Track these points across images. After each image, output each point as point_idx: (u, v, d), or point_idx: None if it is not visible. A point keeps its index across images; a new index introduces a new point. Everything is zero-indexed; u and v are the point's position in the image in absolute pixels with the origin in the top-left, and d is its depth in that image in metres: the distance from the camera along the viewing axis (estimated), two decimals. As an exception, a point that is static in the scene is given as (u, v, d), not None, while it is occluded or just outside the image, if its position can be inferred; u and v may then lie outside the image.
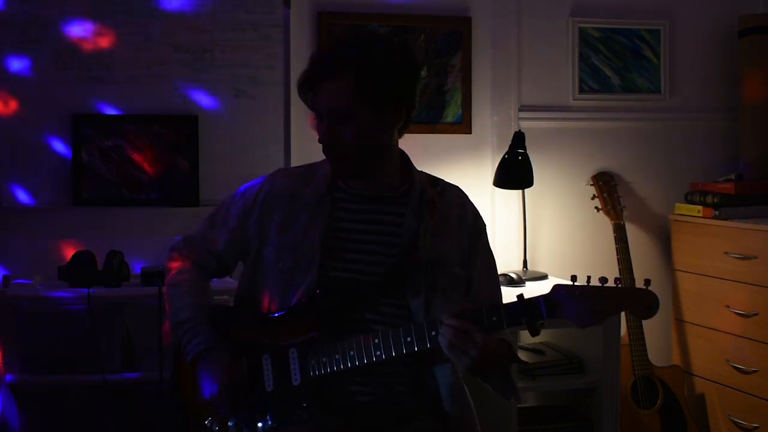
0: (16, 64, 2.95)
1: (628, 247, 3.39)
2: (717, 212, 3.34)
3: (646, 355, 3.35)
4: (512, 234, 3.37)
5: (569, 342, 3.22)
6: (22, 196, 2.98)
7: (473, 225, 2.03)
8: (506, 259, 3.36)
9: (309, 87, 1.90)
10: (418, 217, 1.95)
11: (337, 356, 1.85)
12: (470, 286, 1.99)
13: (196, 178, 3.07)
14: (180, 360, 2.05)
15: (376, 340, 1.82)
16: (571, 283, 1.75)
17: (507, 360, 1.86)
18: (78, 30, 2.98)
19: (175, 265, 2.07)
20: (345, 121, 1.86)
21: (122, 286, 2.82)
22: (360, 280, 1.91)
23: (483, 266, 2.03)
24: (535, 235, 3.45)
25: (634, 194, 3.58)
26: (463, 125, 3.37)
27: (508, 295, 2.84)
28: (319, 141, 1.92)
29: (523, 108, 3.43)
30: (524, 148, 3.23)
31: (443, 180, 2.07)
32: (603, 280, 1.74)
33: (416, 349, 1.80)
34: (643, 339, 3.35)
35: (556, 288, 1.74)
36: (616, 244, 3.40)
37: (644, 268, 3.53)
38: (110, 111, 3.02)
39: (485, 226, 2.06)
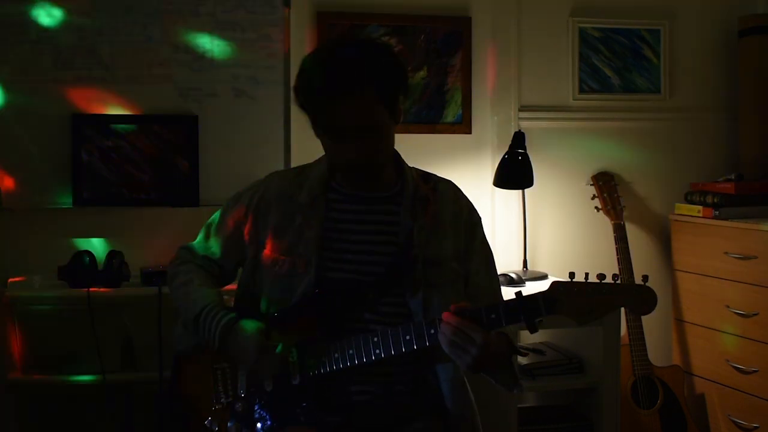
0: (17, 63, 2.95)
1: (628, 247, 3.39)
2: (717, 212, 3.34)
3: (646, 355, 3.35)
4: (512, 234, 3.37)
5: (569, 342, 3.22)
6: (22, 196, 2.98)
7: (468, 219, 2.03)
8: (506, 259, 3.36)
9: (324, 108, 1.85)
10: (413, 215, 1.95)
11: (336, 355, 1.85)
12: (468, 281, 2.00)
13: (196, 178, 3.07)
14: (179, 360, 2.06)
15: (375, 339, 1.82)
16: (569, 280, 1.75)
17: (507, 353, 1.86)
18: (78, 30, 2.97)
19: (179, 269, 2.09)
20: (372, 134, 1.85)
21: (122, 286, 2.82)
22: (358, 280, 1.92)
23: (480, 260, 2.03)
24: (535, 235, 3.45)
25: (634, 194, 3.58)
26: (463, 125, 3.37)
27: (508, 294, 2.86)
28: (344, 161, 1.89)
29: (523, 108, 3.43)
30: (524, 148, 3.23)
31: (436, 175, 2.07)
32: (601, 276, 1.75)
33: (415, 347, 1.81)
34: (643, 339, 3.35)
35: (555, 285, 1.74)
36: (616, 244, 3.40)
37: (644, 268, 3.53)
38: (110, 111, 3.02)
39: (480, 219, 2.07)
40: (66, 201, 2.99)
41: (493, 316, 1.76)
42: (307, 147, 3.05)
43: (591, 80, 3.52)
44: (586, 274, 1.78)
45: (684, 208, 3.49)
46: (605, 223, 3.45)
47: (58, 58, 2.97)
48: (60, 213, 3.01)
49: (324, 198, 1.98)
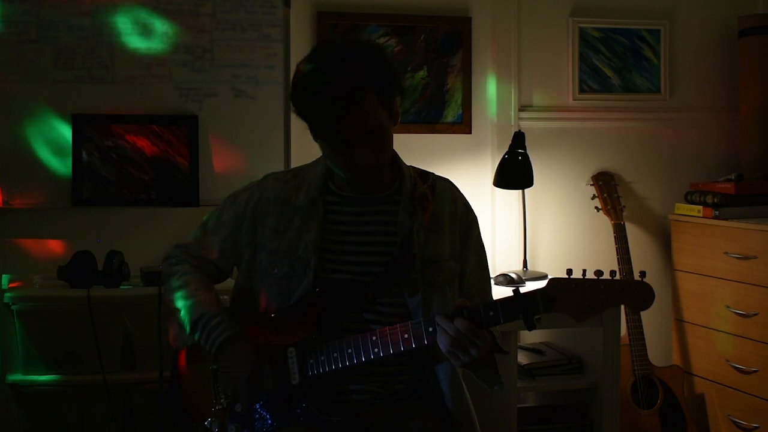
0: (17, 63, 2.95)
1: (628, 247, 3.39)
2: (717, 212, 3.34)
3: (646, 355, 3.35)
4: (512, 234, 3.37)
5: (569, 342, 3.22)
6: (22, 196, 2.98)
7: (465, 218, 2.04)
8: (506, 259, 3.36)
9: (330, 122, 1.82)
10: (411, 214, 1.95)
11: (335, 354, 1.86)
12: (462, 280, 2.00)
13: (196, 178, 3.07)
14: (179, 360, 2.05)
15: (374, 338, 1.82)
16: (567, 276, 1.75)
17: (491, 350, 1.86)
18: (78, 30, 2.97)
19: (174, 269, 2.07)
20: (375, 139, 1.84)
21: (122, 286, 2.81)
22: (357, 280, 1.92)
23: (475, 260, 2.04)
24: (535, 235, 3.45)
25: (634, 194, 3.58)
26: (463, 125, 3.37)
27: (507, 293, 2.86)
28: (354, 169, 1.87)
29: (523, 108, 3.43)
30: (524, 148, 3.23)
31: (433, 173, 2.07)
32: (598, 273, 1.75)
33: (414, 346, 1.81)
34: (643, 339, 3.35)
35: (552, 282, 1.74)
36: (616, 244, 3.40)
37: (644, 268, 3.48)
38: (110, 111, 3.02)
39: (476, 218, 2.07)
40: (66, 201, 2.99)
41: (491, 313, 1.77)
42: (307, 147, 3.06)
43: (591, 80, 3.52)
44: (584, 271, 1.78)
45: (684, 208, 3.49)
46: (605, 223, 3.45)
47: (58, 58, 2.97)
48: (60, 213, 3.01)
49: (322, 200, 1.98)
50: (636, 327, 3.34)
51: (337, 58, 1.84)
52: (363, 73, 1.81)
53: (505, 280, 3.10)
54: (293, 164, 3.11)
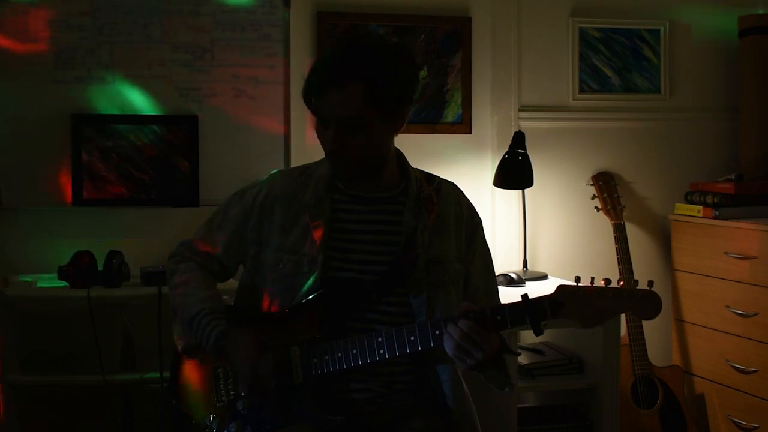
0: (17, 63, 2.95)
1: (628, 247, 3.39)
2: (717, 212, 3.34)
3: (646, 355, 3.35)
4: (512, 234, 3.37)
5: (569, 342, 3.22)
6: (23, 196, 2.98)
7: (470, 221, 2.04)
8: (506, 259, 3.36)
9: (314, 94, 1.88)
10: (416, 215, 1.95)
11: (339, 354, 1.85)
12: (468, 282, 2.01)
13: (196, 178, 3.07)
14: (179, 359, 2.05)
15: (380, 339, 1.82)
16: (575, 284, 1.75)
17: (500, 352, 1.85)
18: (78, 30, 2.97)
19: (178, 267, 2.07)
20: (353, 129, 1.85)
21: (122, 286, 2.81)
22: (361, 279, 1.92)
23: (480, 262, 2.04)
24: (535, 235, 3.45)
25: (634, 194, 3.58)
26: (463, 125, 3.37)
27: (510, 294, 2.86)
28: (325, 149, 1.91)
29: (523, 108, 3.43)
30: (524, 148, 3.23)
31: (438, 177, 2.08)
32: (607, 281, 1.75)
33: (420, 348, 1.81)
34: (643, 339, 3.35)
35: (561, 289, 1.75)
36: (616, 244, 3.40)
37: (644, 268, 3.54)
38: (110, 111, 3.02)
39: (481, 221, 2.07)
40: (66, 201, 2.99)
41: (498, 317, 1.77)
42: (307, 147, 3.09)
43: (591, 80, 3.52)
44: (592, 279, 1.79)
45: (684, 208, 3.49)
46: (605, 223, 3.44)
47: (58, 58, 2.97)
48: (60, 213, 3.01)
49: (329, 198, 1.98)
50: (636, 327, 3.34)
51: (352, 44, 1.91)
52: (361, 65, 1.83)
53: (505, 280, 3.10)
54: (293, 164, 3.11)
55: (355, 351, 1.84)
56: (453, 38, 3.33)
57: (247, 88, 3.12)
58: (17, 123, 2.96)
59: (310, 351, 1.88)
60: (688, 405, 3.39)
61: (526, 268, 3.29)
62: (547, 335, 3.33)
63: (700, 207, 3.40)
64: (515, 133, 3.26)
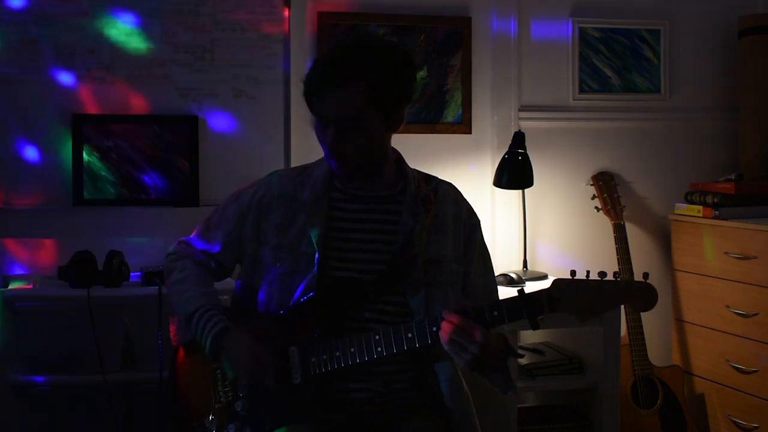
0: (17, 63, 2.95)
1: (628, 247, 3.39)
2: (717, 212, 3.34)
3: (646, 355, 3.35)
4: (512, 234, 3.36)
5: (569, 342, 3.22)
6: (22, 196, 2.98)
7: (468, 221, 2.05)
8: (506, 259, 3.36)
9: (314, 94, 1.89)
10: (414, 214, 1.95)
11: (337, 353, 1.86)
12: (467, 282, 2.01)
13: (196, 178, 3.07)
14: (178, 359, 2.05)
15: (378, 337, 1.83)
16: (570, 277, 1.75)
17: (504, 354, 1.86)
18: (78, 30, 2.97)
19: (175, 264, 2.07)
20: (353, 129, 1.86)
21: (122, 286, 2.81)
22: (359, 278, 1.92)
23: (479, 262, 2.05)
24: (535, 235, 3.45)
25: (634, 194, 3.58)
26: (463, 125, 3.37)
27: (510, 294, 2.85)
28: (324, 148, 1.91)
29: (523, 108, 3.43)
30: (524, 148, 3.23)
31: (436, 177, 2.08)
32: (602, 274, 1.76)
33: (417, 345, 1.81)
34: (643, 339, 3.35)
35: (557, 282, 1.75)
36: (616, 244, 3.40)
37: (644, 268, 3.52)
38: (110, 111, 3.02)
39: (479, 221, 2.08)
40: (66, 201, 2.99)
41: (495, 313, 1.78)
42: (307, 147, 3.08)
43: (591, 80, 3.52)
44: (587, 272, 1.79)
45: (684, 209, 3.48)
46: (605, 223, 3.44)
47: (58, 57, 2.97)
48: (60, 213, 3.01)
49: (327, 197, 1.98)
50: (636, 327, 3.34)
51: (351, 44, 1.93)
52: (360, 65, 1.85)
53: (505, 280, 3.10)
54: (293, 164, 3.11)
55: (353, 349, 1.84)
56: (453, 38, 3.33)
57: (247, 88, 3.12)
58: (17, 122, 2.96)
59: (308, 351, 1.88)
60: (688, 405, 3.39)
61: (526, 268, 3.29)
62: (547, 335, 3.33)
63: (700, 207, 3.40)
64: (515, 133, 3.26)
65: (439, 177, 2.09)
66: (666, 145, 3.62)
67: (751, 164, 3.50)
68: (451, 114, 3.36)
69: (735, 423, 3.28)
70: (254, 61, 3.12)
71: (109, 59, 3.01)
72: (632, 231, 3.53)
